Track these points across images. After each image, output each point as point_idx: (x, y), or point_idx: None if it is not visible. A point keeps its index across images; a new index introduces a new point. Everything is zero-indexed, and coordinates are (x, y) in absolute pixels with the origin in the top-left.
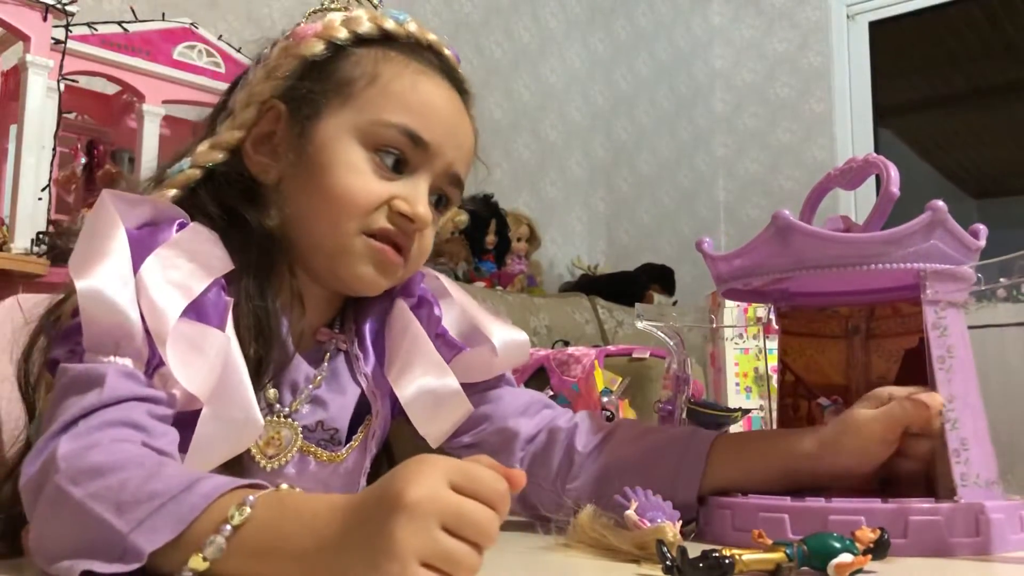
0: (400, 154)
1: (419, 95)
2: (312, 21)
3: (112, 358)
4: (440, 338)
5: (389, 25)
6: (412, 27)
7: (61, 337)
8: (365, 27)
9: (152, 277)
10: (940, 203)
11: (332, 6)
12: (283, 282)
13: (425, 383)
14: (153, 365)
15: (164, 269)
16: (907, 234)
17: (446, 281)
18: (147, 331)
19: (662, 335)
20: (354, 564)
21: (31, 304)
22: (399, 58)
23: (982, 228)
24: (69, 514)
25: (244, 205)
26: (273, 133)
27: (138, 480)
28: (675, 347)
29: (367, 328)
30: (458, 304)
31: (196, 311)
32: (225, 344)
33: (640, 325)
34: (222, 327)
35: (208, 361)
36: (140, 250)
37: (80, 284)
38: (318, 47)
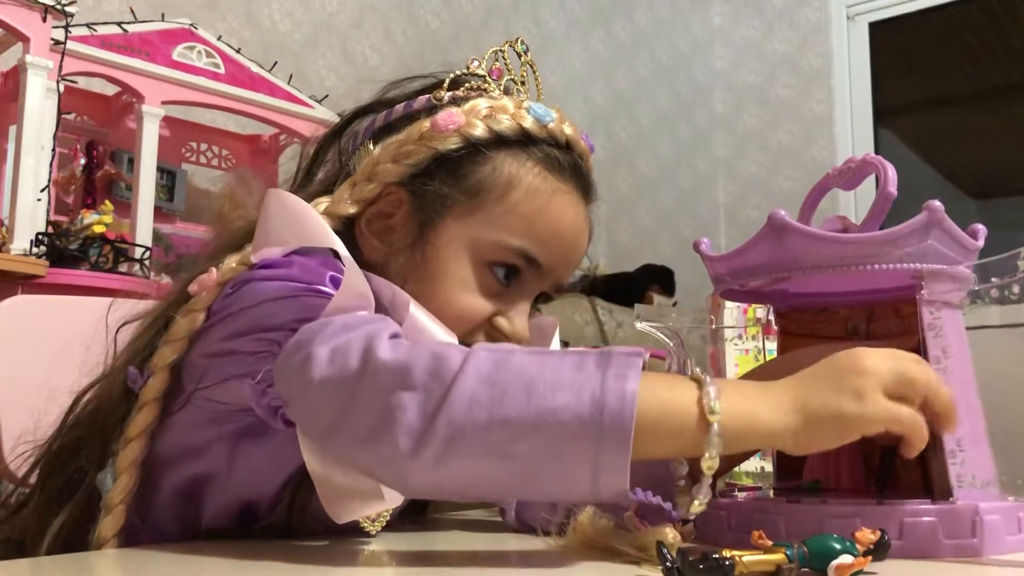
0: (512, 268)
1: (547, 221)
2: (455, 87)
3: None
4: None
5: (529, 124)
6: (553, 125)
7: (256, 333)
8: (504, 126)
9: (421, 314)
10: (936, 203)
11: (478, 71)
12: None
13: None
14: None
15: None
16: (903, 234)
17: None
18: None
19: (662, 336)
20: (826, 384)
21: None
22: (535, 170)
23: (981, 228)
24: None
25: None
26: (390, 215)
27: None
28: (675, 348)
29: None
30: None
31: None
32: None
33: (639, 326)
34: None
35: None
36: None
37: (344, 253)
38: (455, 143)
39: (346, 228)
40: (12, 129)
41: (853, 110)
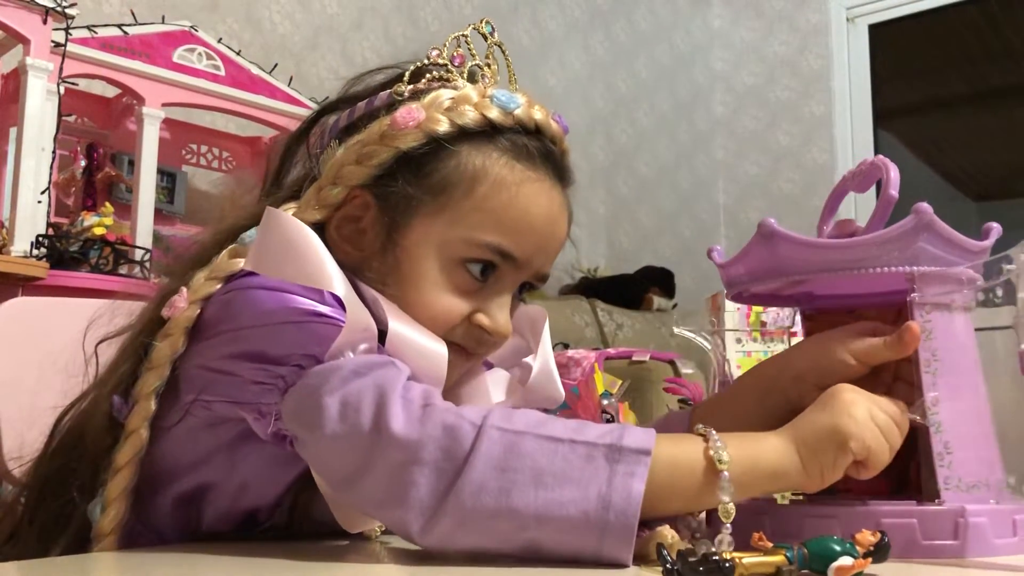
0: (488, 263)
1: (517, 212)
2: (417, 79)
3: (350, 354)
4: None
5: (494, 115)
6: (520, 111)
7: (248, 360)
8: (468, 118)
9: (404, 328)
10: (924, 205)
11: (439, 60)
12: None
13: None
14: None
15: (402, 316)
16: (889, 238)
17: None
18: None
19: (701, 341)
20: (818, 415)
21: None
22: (501, 159)
23: (994, 227)
24: (546, 456)
25: None
26: (359, 219)
27: (565, 426)
28: (713, 351)
29: None
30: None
31: None
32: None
33: (677, 331)
34: None
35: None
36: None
37: (340, 291)
38: (416, 141)
39: (319, 232)
40: (12, 131)
41: (853, 112)
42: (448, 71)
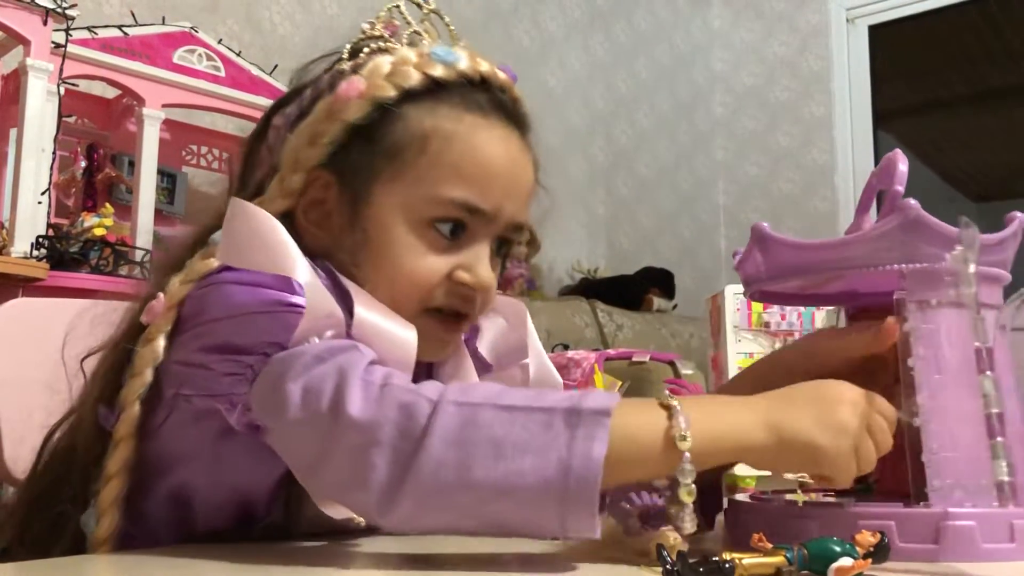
0: (458, 222)
1: (473, 159)
2: (356, 55)
3: (316, 340)
4: (473, 357)
5: (438, 72)
6: (463, 64)
7: (217, 352)
8: (412, 80)
9: (372, 314)
10: (911, 201)
11: (373, 32)
12: None
13: None
14: None
15: (371, 302)
16: (874, 236)
17: (499, 299)
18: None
19: (761, 343)
20: (805, 411)
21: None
22: (450, 113)
23: (1018, 216)
24: (504, 423)
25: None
26: (324, 201)
27: (524, 395)
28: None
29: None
30: (501, 322)
31: None
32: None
33: (744, 335)
34: None
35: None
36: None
37: (302, 278)
38: (363, 110)
39: (288, 224)
40: (13, 132)
41: (853, 113)
42: (386, 41)
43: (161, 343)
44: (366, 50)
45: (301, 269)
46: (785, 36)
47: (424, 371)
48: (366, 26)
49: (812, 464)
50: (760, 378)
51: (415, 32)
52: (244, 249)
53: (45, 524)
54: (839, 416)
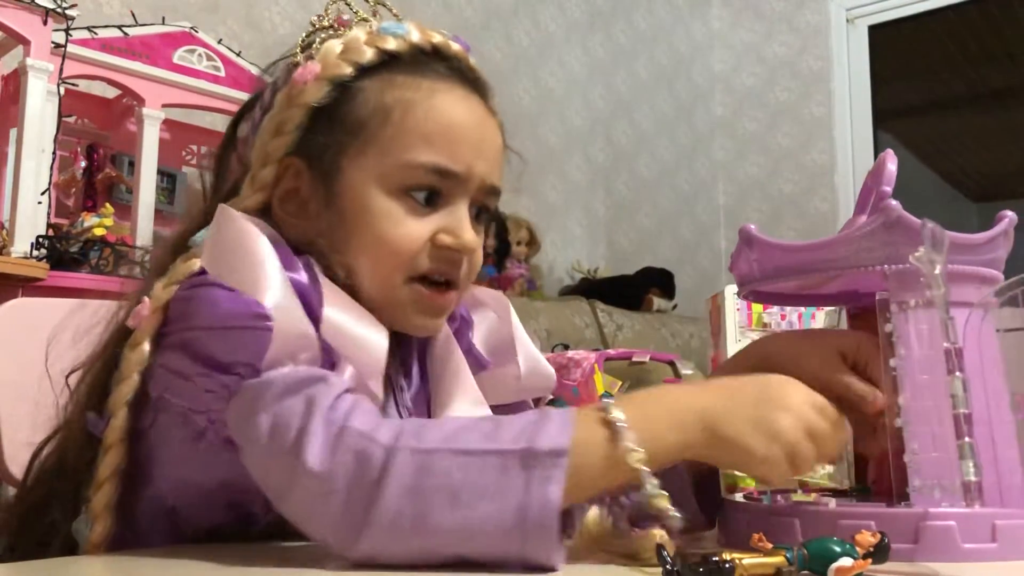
0: (432, 189)
1: (436, 121)
2: (308, 48)
3: (291, 365)
4: (468, 353)
5: (390, 45)
6: (414, 36)
7: (205, 351)
8: (366, 55)
9: (343, 315)
10: (893, 203)
11: (322, 23)
12: None
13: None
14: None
15: (345, 303)
16: (856, 237)
17: (482, 291)
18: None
19: None
20: (744, 412)
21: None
22: (407, 81)
23: (1008, 216)
24: (451, 468)
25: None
26: (298, 189)
27: (479, 434)
28: None
29: (412, 354)
30: (492, 316)
31: None
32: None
33: (749, 335)
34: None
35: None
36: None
37: (269, 301)
38: (321, 91)
39: (266, 218)
40: (13, 132)
41: (853, 113)
42: (336, 30)
43: (147, 347)
44: (317, 42)
45: (274, 288)
46: (785, 36)
47: (415, 353)
48: (315, 19)
49: (743, 466)
50: (748, 369)
51: (363, 18)
52: (224, 260)
53: (34, 536)
54: (777, 423)
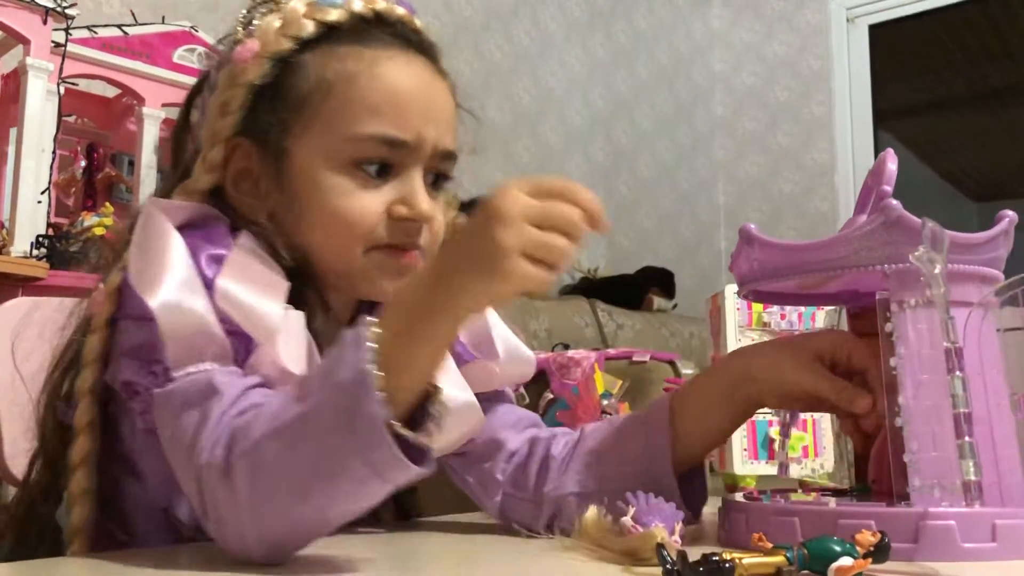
0: (382, 161)
1: (381, 90)
2: (249, 24)
3: (199, 365)
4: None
5: (330, 17)
6: (355, 5)
7: (127, 357)
8: (306, 29)
9: (237, 284)
10: (893, 202)
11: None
12: (314, 300)
13: (446, 396)
14: (241, 360)
15: (245, 272)
16: (855, 236)
17: None
18: (228, 331)
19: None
20: (470, 273)
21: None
22: (349, 52)
23: (1008, 215)
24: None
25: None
26: (249, 169)
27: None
28: None
29: None
30: None
31: None
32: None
33: (750, 335)
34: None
35: (302, 342)
36: (196, 252)
37: (155, 302)
38: (261, 69)
39: (220, 200)
40: (12, 131)
41: (853, 112)
42: (276, 3)
43: (106, 332)
44: (257, 18)
45: (167, 286)
46: (785, 36)
47: None
48: None
49: (486, 285)
50: (731, 380)
51: None
52: (135, 255)
53: (34, 531)
54: (493, 245)
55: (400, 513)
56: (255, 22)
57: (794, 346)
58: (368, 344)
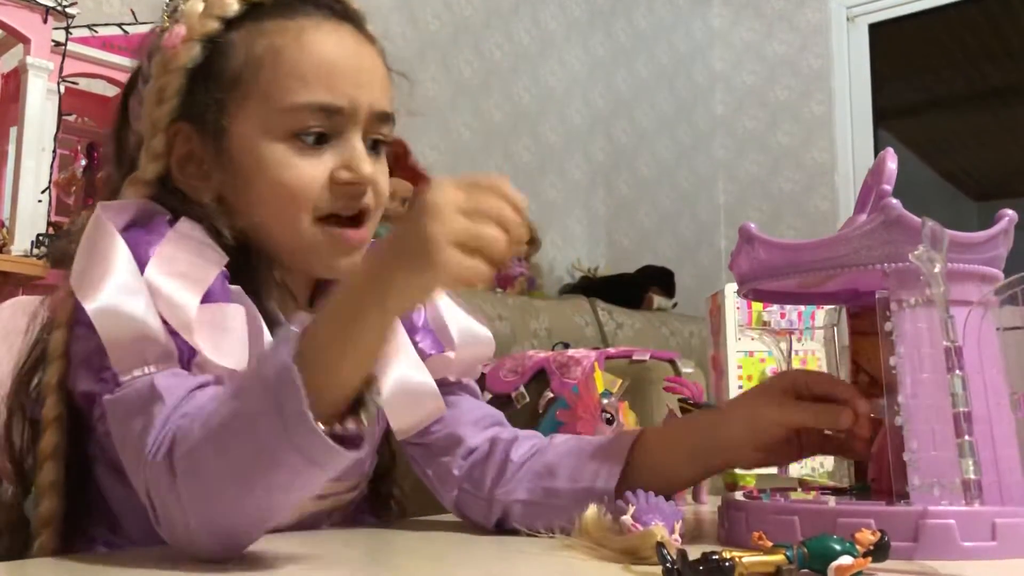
0: (319, 129)
1: (309, 60)
2: (175, 11)
3: (144, 369)
4: (413, 334)
5: None
6: None
7: (82, 366)
8: (229, 9)
9: (160, 276)
10: (893, 201)
11: None
12: (269, 280)
13: (402, 378)
14: (187, 359)
15: (170, 264)
16: (855, 236)
17: None
18: (171, 331)
19: (766, 342)
20: (402, 267)
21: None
22: (274, 26)
23: (1008, 214)
24: (217, 444)
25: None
26: (191, 153)
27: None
28: (780, 354)
29: None
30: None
31: (207, 297)
32: (242, 313)
33: (750, 334)
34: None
35: (236, 335)
36: (138, 252)
37: (91, 306)
38: (192, 52)
39: (171, 191)
40: (13, 131)
41: (853, 112)
42: None
43: (65, 329)
44: (181, 4)
45: (107, 291)
46: (785, 35)
47: None
48: None
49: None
50: (702, 441)
51: None
52: (79, 259)
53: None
54: (425, 238)
55: (400, 512)
56: (180, 8)
57: (757, 392)
58: (292, 341)
